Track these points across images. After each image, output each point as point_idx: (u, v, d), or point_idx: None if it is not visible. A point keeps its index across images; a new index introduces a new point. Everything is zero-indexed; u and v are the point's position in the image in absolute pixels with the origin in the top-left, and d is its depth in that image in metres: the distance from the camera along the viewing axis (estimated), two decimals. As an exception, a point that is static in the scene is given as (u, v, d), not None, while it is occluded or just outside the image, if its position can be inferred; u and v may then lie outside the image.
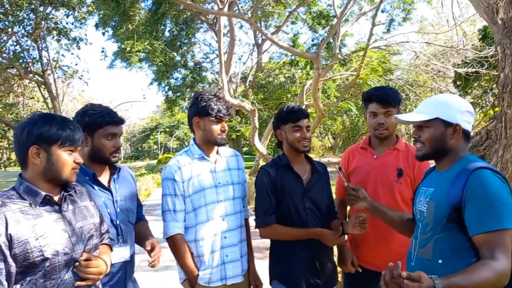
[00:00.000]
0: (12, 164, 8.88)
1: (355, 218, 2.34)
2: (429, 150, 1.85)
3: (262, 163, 16.74)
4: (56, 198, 1.77)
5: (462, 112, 1.81)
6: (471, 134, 1.87)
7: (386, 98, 2.55)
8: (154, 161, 39.68)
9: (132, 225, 2.38)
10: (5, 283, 1.56)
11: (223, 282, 2.46)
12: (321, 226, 2.52)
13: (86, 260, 1.76)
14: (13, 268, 1.58)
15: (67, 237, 1.73)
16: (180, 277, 2.54)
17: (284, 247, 2.53)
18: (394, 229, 2.25)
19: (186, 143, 54.61)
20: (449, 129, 1.80)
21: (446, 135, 1.81)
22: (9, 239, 1.57)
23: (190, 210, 2.45)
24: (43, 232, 1.65)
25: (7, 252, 1.56)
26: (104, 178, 2.30)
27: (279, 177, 2.55)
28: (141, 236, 2.42)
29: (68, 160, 1.75)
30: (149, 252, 2.25)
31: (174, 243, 2.43)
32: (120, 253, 2.19)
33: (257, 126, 10.95)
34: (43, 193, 1.70)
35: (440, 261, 1.69)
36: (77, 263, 1.74)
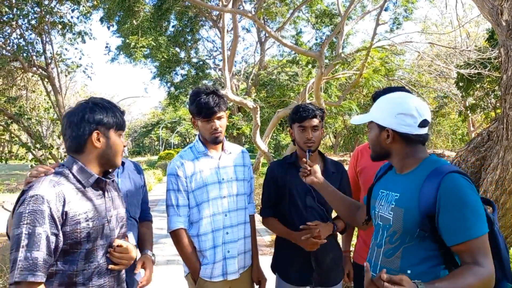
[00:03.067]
0: (13, 157, 8.87)
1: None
2: (372, 153, 1.84)
3: (263, 160, 16.75)
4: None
5: (394, 115, 1.72)
6: (416, 136, 1.73)
7: None
8: (155, 157, 39.67)
9: (135, 220, 2.41)
10: (52, 256, 1.63)
11: (224, 278, 2.49)
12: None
13: (118, 246, 1.84)
14: (61, 244, 1.66)
15: (106, 222, 1.82)
16: (184, 271, 2.57)
17: (284, 240, 2.60)
18: (337, 213, 2.24)
19: (188, 139, 54.62)
20: (382, 133, 1.76)
21: (381, 139, 1.76)
22: (64, 216, 1.66)
23: (193, 205, 2.47)
24: (91, 215, 1.74)
25: (59, 228, 1.64)
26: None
27: (281, 174, 2.63)
28: (140, 242, 2.46)
29: (121, 143, 1.88)
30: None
31: (177, 237, 2.46)
32: None
33: (259, 123, 10.95)
34: (96, 175, 1.80)
35: (409, 271, 1.63)
36: (111, 249, 1.82)
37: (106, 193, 1.87)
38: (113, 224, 1.87)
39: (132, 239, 2.22)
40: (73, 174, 1.77)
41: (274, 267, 2.72)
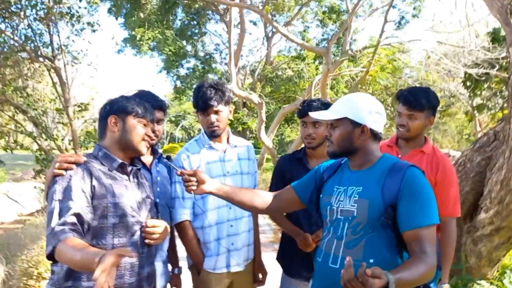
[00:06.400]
0: (18, 147, 8.93)
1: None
2: (336, 149, 1.87)
3: (267, 156, 16.75)
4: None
5: (370, 112, 1.82)
6: (381, 135, 1.89)
7: (411, 101, 2.49)
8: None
9: (169, 209, 2.46)
10: (85, 225, 1.72)
11: (228, 270, 2.50)
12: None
13: (152, 225, 1.94)
14: (91, 216, 1.75)
15: (135, 203, 1.91)
16: (188, 263, 2.59)
17: (287, 235, 2.61)
18: (245, 209, 2.22)
19: (192, 133, 54.72)
20: (356, 129, 1.82)
21: (354, 135, 1.83)
22: (92, 189, 1.76)
23: (198, 198, 2.47)
24: (117, 192, 1.84)
25: (90, 201, 1.74)
26: (146, 158, 2.41)
27: (288, 168, 2.63)
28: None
29: (141, 130, 1.94)
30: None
31: (182, 229, 2.47)
32: None
33: (264, 119, 10.93)
34: (120, 160, 1.91)
35: (371, 260, 1.69)
36: (143, 228, 1.93)
37: (133, 178, 1.98)
38: (141, 206, 1.97)
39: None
40: (98, 160, 1.89)
41: (280, 262, 2.73)
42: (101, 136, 1.96)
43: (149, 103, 2.18)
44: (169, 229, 2.28)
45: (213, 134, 2.51)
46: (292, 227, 2.57)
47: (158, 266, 2.33)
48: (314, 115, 1.96)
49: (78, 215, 1.69)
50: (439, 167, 2.51)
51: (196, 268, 2.51)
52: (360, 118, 1.82)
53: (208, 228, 2.47)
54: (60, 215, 1.67)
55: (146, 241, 1.94)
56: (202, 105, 2.45)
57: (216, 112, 2.47)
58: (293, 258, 2.60)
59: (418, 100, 2.49)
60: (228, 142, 2.62)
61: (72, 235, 1.62)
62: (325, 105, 2.54)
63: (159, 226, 1.97)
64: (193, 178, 2.02)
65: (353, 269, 1.41)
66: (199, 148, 2.55)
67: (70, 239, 1.59)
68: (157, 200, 2.34)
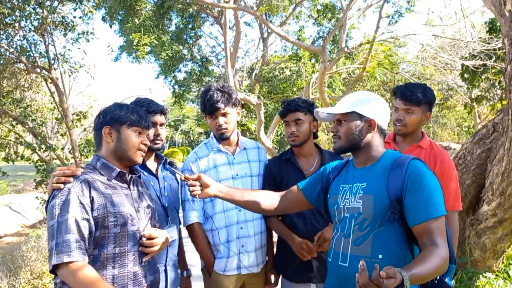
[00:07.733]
0: (19, 158, 8.92)
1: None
2: (344, 144, 1.89)
3: (268, 157, 16.73)
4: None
5: (376, 107, 1.88)
6: (385, 131, 1.93)
7: (407, 95, 2.51)
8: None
9: (177, 212, 2.49)
10: (85, 241, 1.73)
11: (239, 271, 2.50)
12: (325, 225, 2.50)
13: (148, 236, 1.94)
14: (93, 229, 1.76)
15: (134, 211, 1.91)
16: (201, 264, 2.61)
17: (283, 239, 2.58)
18: (252, 211, 2.23)
19: (192, 137, 54.72)
20: (364, 124, 1.86)
21: (362, 129, 1.86)
22: (92, 201, 1.76)
23: (208, 200, 2.49)
24: (117, 202, 1.84)
25: (90, 213, 1.75)
26: (151, 165, 2.44)
27: (278, 170, 2.60)
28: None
29: (135, 140, 1.93)
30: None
31: (192, 231, 2.50)
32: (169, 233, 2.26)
33: (263, 120, 10.92)
34: (118, 169, 1.90)
35: (380, 256, 1.70)
36: (141, 240, 1.92)
37: (133, 187, 1.98)
38: (141, 214, 1.97)
39: (173, 232, 2.31)
40: (97, 170, 1.90)
41: (277, 267, 2.69)
42: (98, 147, 1.97)
43: (144, 109, 2.17)
44: (175, 236, 2.28)
45: (222, 137, 2.52)
46: (287, 232, 2.52)
47: (169, 270, 2.35)
48: (322, 111, 1.98)
49: (79, 230, 1.70)
50: (437, 161, 2.51)
51: (207, 269, 2.53)
52: (367, 112, 1.85)
53: (217, 231, 2.49)
54: (61, 230, 1.68)
55: (145, 259, 1.93)
56: (210, 108, 2.46)
57: (224, 115, 2.49)
58: (290, 262, 2.56)
59: (414, 94, 2.51)
60: (237, 144, 2.62)
61: (77, 253, 1.66)
62: (305, 103, 2.56)
63: (158, 236, 1.96)
64: (197, 183, 2.04)
65: (367, 273, 1.39)
66: (207, 152, 2.56)
67: (78, 267, 1.65)
68: (166, 205, 2.37)
